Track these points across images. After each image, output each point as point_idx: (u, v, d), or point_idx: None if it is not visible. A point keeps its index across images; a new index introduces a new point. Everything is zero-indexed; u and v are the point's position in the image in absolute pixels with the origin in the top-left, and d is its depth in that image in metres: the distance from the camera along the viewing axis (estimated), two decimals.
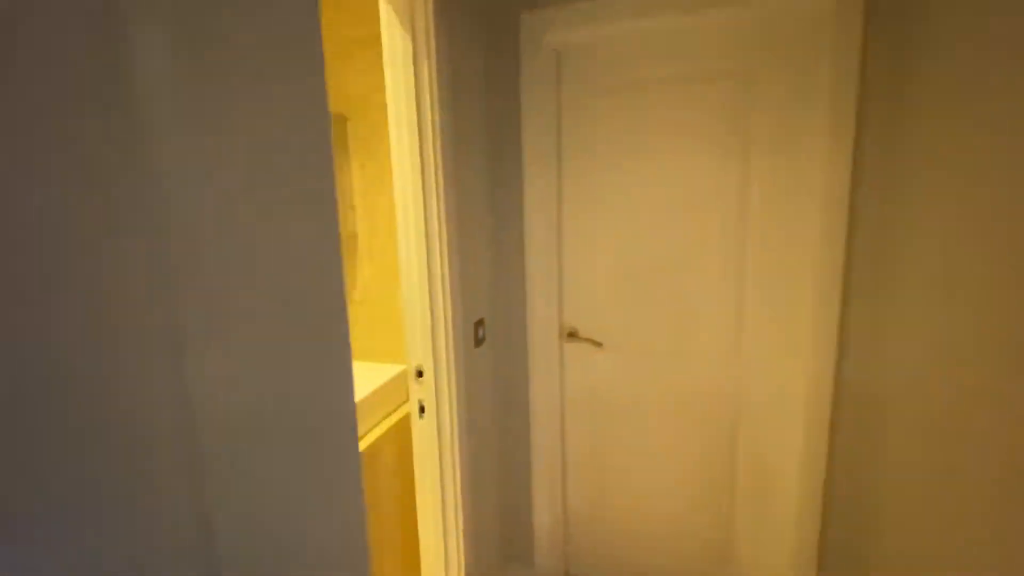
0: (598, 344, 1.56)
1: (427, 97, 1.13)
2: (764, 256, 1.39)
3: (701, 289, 1.46)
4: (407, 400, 1.68)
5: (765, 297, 1.40)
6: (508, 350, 1.59)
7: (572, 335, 1.58)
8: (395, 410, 1.70)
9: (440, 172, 1.16)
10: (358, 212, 1.74)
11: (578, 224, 1.54)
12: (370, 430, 1.60)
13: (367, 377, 1.69)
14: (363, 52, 1.62)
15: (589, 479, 1.69)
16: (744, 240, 1.40)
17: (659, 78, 1.40)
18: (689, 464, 1.57)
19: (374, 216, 1.74)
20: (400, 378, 1.66)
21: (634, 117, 1.43)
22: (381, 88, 1.25)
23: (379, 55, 1.23)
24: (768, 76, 1.32)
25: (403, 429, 1.63)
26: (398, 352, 1.75)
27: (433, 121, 1.14)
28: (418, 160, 1.15)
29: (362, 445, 1.51)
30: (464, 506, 1.33)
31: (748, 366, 1.46)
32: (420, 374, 1.26)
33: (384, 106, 1.25)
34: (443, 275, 1.20)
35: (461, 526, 1.33)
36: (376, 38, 1.31)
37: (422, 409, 1.28)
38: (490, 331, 1.47)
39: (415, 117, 1.13)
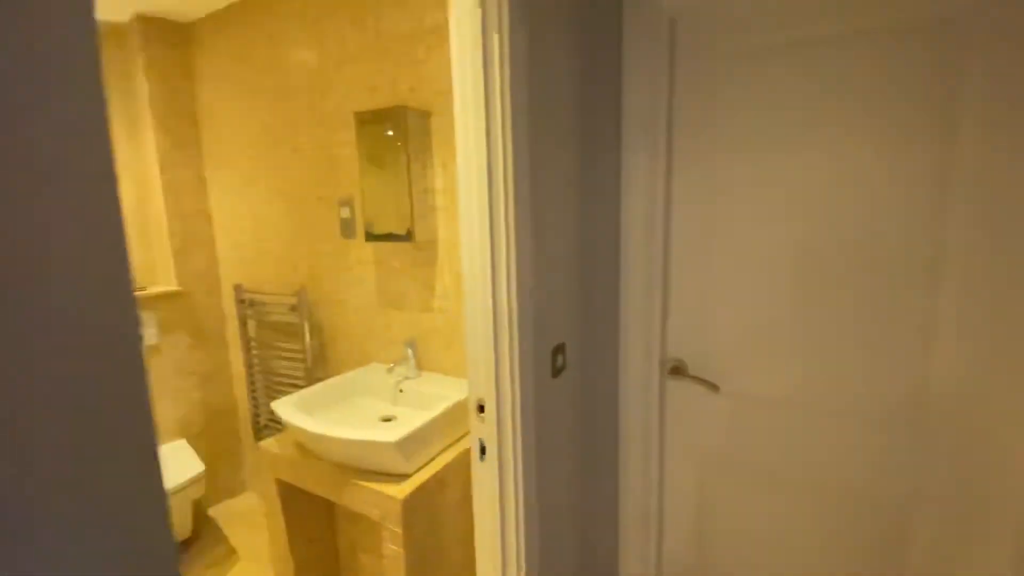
0: (712, 386, 1.23)
1: (496, 75, 0.92)
2: (971, 283, 0.96)
3: (868, 326, 1.06)
4: None
5: (970, 345, 0.97)
6: (594, 384, 1.32)
7: (677, 371, 1.26)
8: (468, 432, 1.53)
9: (510, 163, 0.94)
10: (439, 215, 1.60)
11: (692, 229, 1.22)
12: (440, 453, 1.44)
13: (440, 394, 1.54)
14: (446, 41, 1.47)
15: (690, 551, 1.35)
16: (940, 258, 0.98)
17: (820, 37, 1.04)
18: (830, 551, 1.16)
19: (456, 219, 1.58)
20: None
21: (782, 91, 1.09)
22: None
23: None
24: (989, 29, 0.89)
25: None
26: None
27: (503, 104, 0.93)
28: (484, 149, 0.94)
29: (429, 471, 1.35)
30: (529, 573, 1.10)
31: (934, 440, 1.02)
32: (481, 408, 1.06)
33: None
34: (510, 289, 0.99)
35: None
36: None
37: (483, 450, 1.08)
38: (572, 359, 1.21)
39: (482, 99, 0.93)
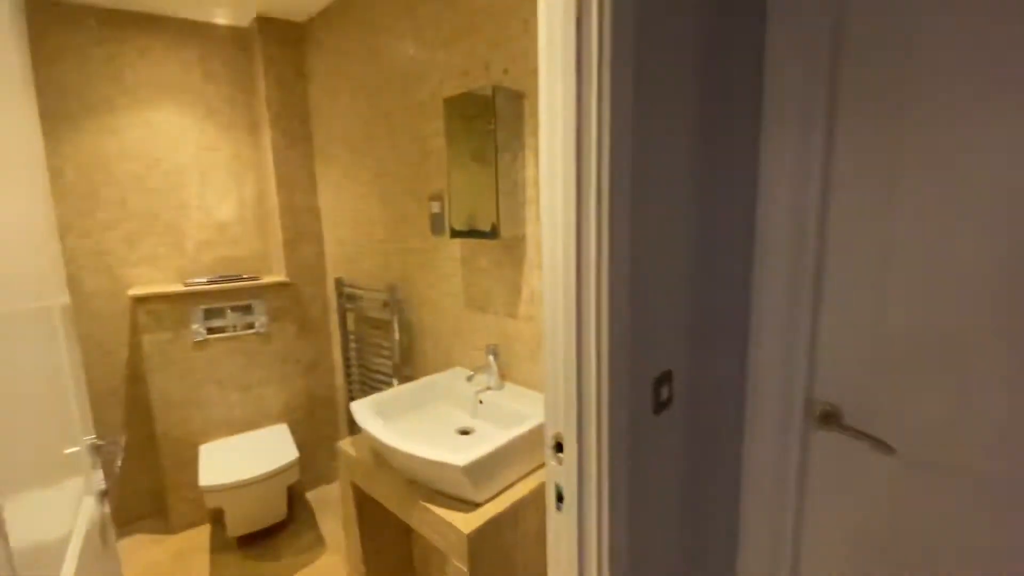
0: (883, 445, 0.89)
1: (594, 21, 0.71)
2: None
3: None
4: None
5: None
6: (710, 425, 1.04)
7: (829, 419, 0.94)
8: None
9: (606, 137, 0.72)
10: (530, 209, 1.42)
11: (860, 225, 0.90)
12: (516, 482, 1.26)
13: (521, 411, 1.36)
14: None
15: None
16: None
17: None
18: None
19: None
20: None
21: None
22: None
23: None
24: None
25: None
26: None
27: (601, 57, 0.71)
28: (572, 117, 0.74)
29: (503, 503, 1.17)
30: None
31: None
32: (559, 447, 0.85)
33: None
34: (599, 298, 0.77)
35: None
36: None
37: (560, 497, 0.87)
38: (681, 392, 0.96)
39: (572, 51, 0.72)
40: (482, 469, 1.14)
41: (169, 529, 2.32)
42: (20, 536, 0.60)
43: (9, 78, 0.79)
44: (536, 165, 1.39)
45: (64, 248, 2.12)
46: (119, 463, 0.91)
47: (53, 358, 0.81)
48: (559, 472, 0.86)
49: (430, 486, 1.24)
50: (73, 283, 2.15)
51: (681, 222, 0.93)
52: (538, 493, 1.23)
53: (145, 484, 2.39)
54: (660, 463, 0.94)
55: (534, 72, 1.33)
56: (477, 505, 1.17)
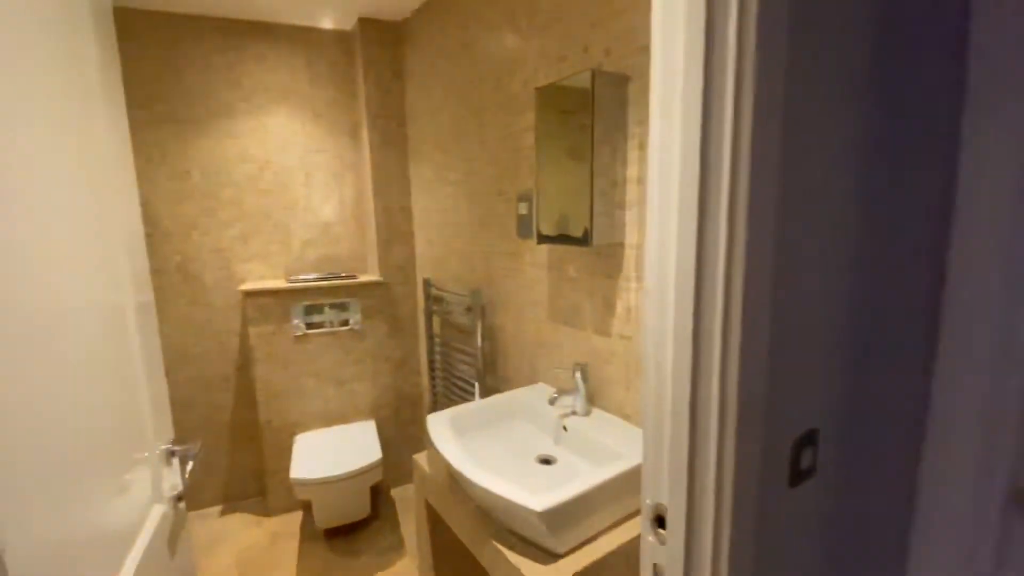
0: None
1: None
2: None
3: None
4: None
5: None
6: (865, 506, 0.78)
7: None
8: None
9: (745, 128, 0.53)
10: (630, 213, 1.23)
11: None
12: (605, 531, 1.08)
13: (611, 447, 1.18)
14: None
15: None
16: None
17: None
18: None
19: None
20: None
21: None
22: None
23: None
24: None
25: None
26: None
27: (743, 19, 0.52)
28: (698, 93, 0.55)
29: (587, 556, 1.01)
30: None
31: None
32: (660, 521, 0.67)
33: None
34: (726, 333, 0.57)
35: None
36: None
37: None
38: (828, 458, 0.72)
39: (702, 15, 0.54)
40: (563, 515, 0.98)
41: (268, 511, 2.45)
42: (64, 545, 0.56)
43: (92, 89, 0.78)
44: (640, 163, 1.19)
45: (189, 245, 2.32)
46: (188, 471, 0.90)
47: (119, 358, 0.79)
48: (659, 553, 0.67)
49: (504, 524, 1.11)
50: (196, 278, 2.35)
51: (842, 227, 0.69)
52: (630, 549, 1.05)
53: (250, 466, 2.55)
54: (793, 553, 0.72)
55: (643, 49, 1.14)
56: (556, 556, 1.01)
